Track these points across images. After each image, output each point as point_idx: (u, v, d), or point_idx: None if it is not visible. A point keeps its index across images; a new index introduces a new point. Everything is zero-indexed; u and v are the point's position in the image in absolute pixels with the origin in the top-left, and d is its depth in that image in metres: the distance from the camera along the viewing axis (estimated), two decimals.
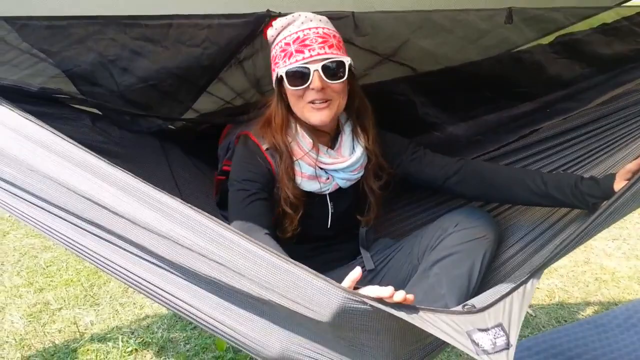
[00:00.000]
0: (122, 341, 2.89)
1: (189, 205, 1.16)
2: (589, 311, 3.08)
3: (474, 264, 1.59)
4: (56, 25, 1.65)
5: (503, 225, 1.81)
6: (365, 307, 1.10)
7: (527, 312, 3.06)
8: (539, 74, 1.97)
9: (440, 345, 1.28)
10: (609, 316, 2.29)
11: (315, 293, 1.09)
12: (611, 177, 1.57)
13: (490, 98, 2.05)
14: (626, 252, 3.68)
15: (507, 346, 1.05)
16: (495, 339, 1.06)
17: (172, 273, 1.30)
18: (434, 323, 1.08)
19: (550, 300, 3.20)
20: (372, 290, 1.14)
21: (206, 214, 1.15)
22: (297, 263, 1.11)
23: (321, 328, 1.21)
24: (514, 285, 1.18)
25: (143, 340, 2.92)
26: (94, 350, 2.84)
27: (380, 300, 1.11)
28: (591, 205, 1.59)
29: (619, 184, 1.53)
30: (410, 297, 1.15)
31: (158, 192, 1.17)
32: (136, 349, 2.84)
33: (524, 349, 2.13)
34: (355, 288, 1.23)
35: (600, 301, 3.17)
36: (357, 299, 1.09)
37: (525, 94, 2.02)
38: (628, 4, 1.88)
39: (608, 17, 1.85)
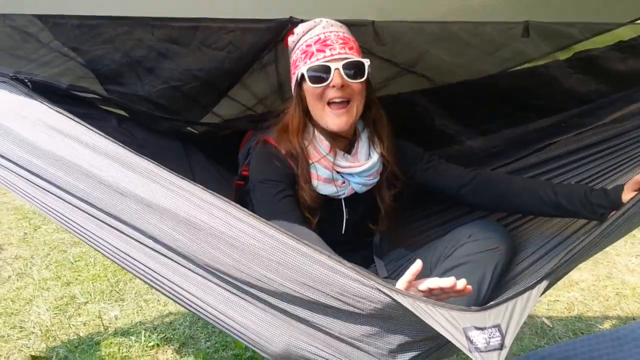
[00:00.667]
0: (145, 336, 2.96)
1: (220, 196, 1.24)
2: (607, 325, 3.06)
3: (485, 275, 1.60)
4: (87, 24, 1.73)
5: (517, 239, 1.83)
6: (372, 291, 1.16)
7: (545, 323, 3.05)
8: (555, 88, 1.99)
9: (442, 347, 1.31)
10: (625, 330, 2.28)
11: (323, 272, 1.18)
12: (620, 188, 1.58)
13: (507, 112, 2.08)
14: None
15: (501, 347, 1.07)
16: (490, 338, 1.08)
17: (185, 267, 1.35)
18: (433, 315, 1.11)
19: (570, 312, 3.18)
20: (433, 282, 1.27)
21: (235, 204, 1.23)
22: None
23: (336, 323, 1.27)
24: (519, 290, 1.20)
25: (165, 336, 2.99)
26: (117, 343, 2.91)
27: (388, 286, 1.15)
28: (600, 215, 1.60)
29: (627, 195, 1.55)
30: (470, 287, 1.29)
31: (187, 182, 1.27)
32: (158, 344, 2.90)
33: (537, 357, 2.14)
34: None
35: (619, 315, 3.14)
36: (368, 283, 1.16)
37: (542, 108, 2.04)
38: None
39: (625, 34, 1.86)
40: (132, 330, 3.05)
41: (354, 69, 1.65)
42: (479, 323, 1.11)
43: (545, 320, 3.10)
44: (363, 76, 1.67)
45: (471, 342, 1.08)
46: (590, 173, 1.87)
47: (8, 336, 2.99)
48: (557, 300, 3.30)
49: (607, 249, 3.66)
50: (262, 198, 1.74)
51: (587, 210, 1.63)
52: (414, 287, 1.36)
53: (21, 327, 3.08)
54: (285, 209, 1.69)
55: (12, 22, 1.69)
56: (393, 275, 1.88)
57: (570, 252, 1.30)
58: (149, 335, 2.98)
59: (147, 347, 2.88)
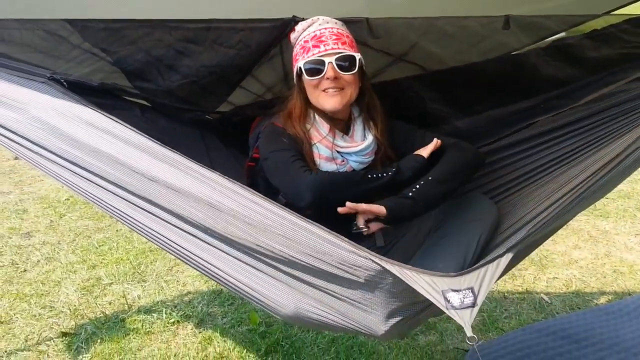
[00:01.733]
0: (166, 313, 3.17)
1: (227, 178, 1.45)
2: (603, 300, 3.20)
3: (470, 243, 1.77)
4: (111, 27, 1.90)
5: (502, 210, 1.97)
6: (365, 261, 1.35)
7: (543, 299, 3.21)
8: (535, 74, 2.14)
9: (427, 308, 1.50)
10: (619, 304, 2.39)
11: (324, 245, 1.39)
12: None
13: (491, 95, 2.22)
14: None
15: (473, 305, 1.27)
16: (464, 298, 1.27)
17: (203, 240, 1.57)
18: (417, 280, 1.30)
19: (567, 289, 3.33)
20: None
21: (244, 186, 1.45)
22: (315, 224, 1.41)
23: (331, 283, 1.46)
24: (490, 258, 1.39)
25: (185, 313, 3.19)
26: (140, 320, 3.12)
27: (379, 257, 1.36)
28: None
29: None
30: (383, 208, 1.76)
31: (201, 167, 1.47)
32: (178, 321, 3.11)
33: (534, 331, 2.26)
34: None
35: (615, 291, 3.28)
36: (362, 254, 1.36)
37: (523, 92, 2.19)
38: (615, 12, 2.04)
39: (597, 24, 2.01)
40: (154, 308, 3.26)
41: (346, 62, 1.83)
42: (455, 286, 1.30)
43: (544, 297, 3.25)
44: (354, 69, 1.85)
45: (448, 301, 1.27)
46: (566, 150, 2.01)
47: (39, 315, 3.21)
48: (556, 278, 3.44)
49: (607, 228, 3.86)
50: (277, 163, 1.88)
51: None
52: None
53: (51, 307, 3.29)
54: (304, 167, 1.84)
55: (45, 26, 1.86)
56: (389, 245, 2.05)
57: (539, 223, 1.48)
58: (170, 313, 3.18)
59: (168, 323, 3.09)
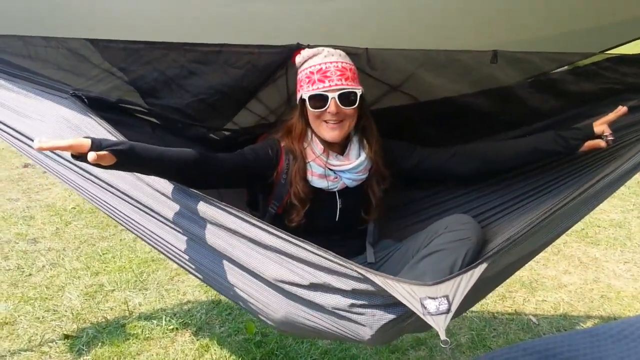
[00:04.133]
0: (165, 320, 3.28)
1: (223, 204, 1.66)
2: (589, 324, 3.29)
3: (457, 261, 1.86)
4: (130, 48, 2.03)
5: (487, 232, 2.09)
6: (352, 272, 1.49)
7: (531, 320, 3.31)
8: (520, 106, 2.27)
9: (410, 317, 1.61)
10: (604, 327, 2.48)
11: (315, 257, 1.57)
12: (590, 125, 2.00)
13: (481, 124, 2.35)
14: (635, 274, 3.86)
15: (448, 311, 1.40)
16: (439, 305, 1.40)
17: (205, 248, 1.74)
18: (397, 289, 1.44)
19: (555, 311, 3.42)
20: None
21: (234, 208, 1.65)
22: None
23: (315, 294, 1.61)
24: (465, 269, 1.52)
25: (183, 321, 3.30)
26: (140, 326, 3.23)
27: (363, 268, 1.51)
28: (575, 147, 2.01)
29: (598, 127, 1.98)
30: None
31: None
32: (177, 328, 3.22)
33: (520, 350, 2.35)
34: None
35: (601, 316, 3.36)
36: (348, 266, 1.51)
37: (510, 123, 2.32)
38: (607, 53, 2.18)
39: (581, 62, 2.15)
40: (154, 315, 3.36)
41: (347, 98, 1.96)
42: (432, 294, 1.43)
43: (532, 318, 3.35)
44: (355, 103, 1.98)
45: (425, 308, 1.40)
46: (549, 178, 2.13)
47: (43, 318, 3.32)
48: (545, 300, 3.54)
49: (597, 255, 3.98)
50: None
51: (561, 145, 2.03)
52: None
53: (55, 311, 3.41)
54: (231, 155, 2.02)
55: (69, 45, 2.00)
56: (380, 262, 2.16)
57: (513, 237, 1.61)
58: (169, 320, 3.29)
59: (167, 330, 3.20)
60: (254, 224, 1.63)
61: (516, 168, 2.20)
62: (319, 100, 1.97)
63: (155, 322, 3.28)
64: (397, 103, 2.37)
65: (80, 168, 1.80)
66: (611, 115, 1.98)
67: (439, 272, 1.82)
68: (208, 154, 1.89)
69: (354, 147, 2.12)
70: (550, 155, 2.10)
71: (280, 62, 2.16)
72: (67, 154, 1.69)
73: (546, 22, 2.08)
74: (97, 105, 1.78)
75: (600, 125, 1.98)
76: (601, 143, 1.97)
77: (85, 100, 1.78)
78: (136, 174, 1.72)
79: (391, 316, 1.58)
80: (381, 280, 1.47)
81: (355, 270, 1.50)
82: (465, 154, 2.17)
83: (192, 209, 1.69)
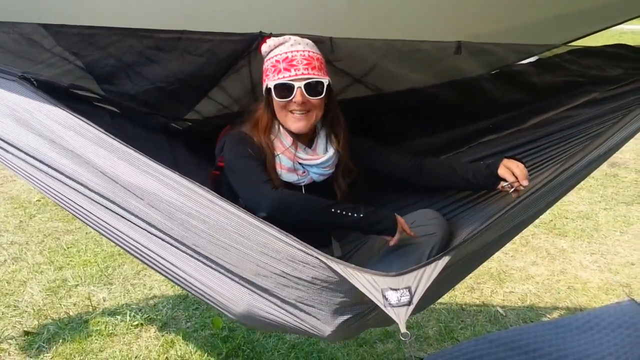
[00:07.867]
0: (130, 316, 3.20)
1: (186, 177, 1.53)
2: (556, 315, 3.31)
3: (423, 255, 1.87)
4: (84, 33, 1.97)
5: (453, 226, 2.08)
6: (312, 258, 1.44)
7: (499, 312, 3.32)
8: (484, 98, 2.26)
9: (372, 311, 1.58)
10: (569, 319, 2.48)
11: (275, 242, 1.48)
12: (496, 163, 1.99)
13: (446, 115, 2.34)
14: (601, 266, 3.89)
15: (409, 303, 1.36)
16: (401, 297, 1.36)
17: (160, 238, 1.64)
18: (358, 279, 1.39)
19: (522, 303, 3.44)
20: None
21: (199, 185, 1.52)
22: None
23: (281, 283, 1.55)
24: (428, 261, 1.49)
25: (149, 316, 3.23)
26: (104, 322, 3.16)
27: (324, 255, 1.44)
28: (491, 184, 2.03)
29: (500, 170, 1.97)
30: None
31: (162, 167, 1.55)
32: (142, 324, 3.15)
33: (486, 342, 2.33)
34: None
35: (567, 307, 3.39)
36: (309, 252, 1.45)
37: (474, 114, 2.31)
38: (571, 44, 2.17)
39: (544, 54, 2.15)
40: (118, 311, 3.29)
41: (314, 87, 1.93)
42: (394, 285, 1.39)
43: (500, 309, 3.35)
44: (322, 93, 1.94)
45: (386, 299, 1.36)
46: None
47: (3, 314, 3.24)
48: (513, 292, 3.55)
49: (564, 246, 4.00)
50: (241, 169, 1.96)
51: (483, 181, 2.04)
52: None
53: (15, 306, 3.32)
54: (267, 179, 1.92)
55: (20, 29, 1.92)
56: (347, 255, 2.14)
57: (471, 234, 1.59)
58: (134, 316, 3.21)
59: (131, 325, 3.13)
60: (213, 201, 1.53)
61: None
62: (285, 89, 1.92)
63: (119, 317, 3.21)
64: (363, 94, 2.34)
65: (35, 159, 1.71)
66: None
67: (404, 266, 1.77)
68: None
69: (321, 141, 2.09)
70: (474, 188, 2.15)
71: (242, 50, 2.11)
72: (23, 145, 1.66)
73: (510, 13, 2.07)
74: (47, 89, 1.70)
75: (502, 169, 1.98)
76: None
77: (35, 82, 1.69)
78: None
79: (353, 310, 1.55)
80: (341, 268, 1.42)
81: (317, 258, 1.45)
82: (424, 169, 2.17)
83: (143, 189, 1.58)
